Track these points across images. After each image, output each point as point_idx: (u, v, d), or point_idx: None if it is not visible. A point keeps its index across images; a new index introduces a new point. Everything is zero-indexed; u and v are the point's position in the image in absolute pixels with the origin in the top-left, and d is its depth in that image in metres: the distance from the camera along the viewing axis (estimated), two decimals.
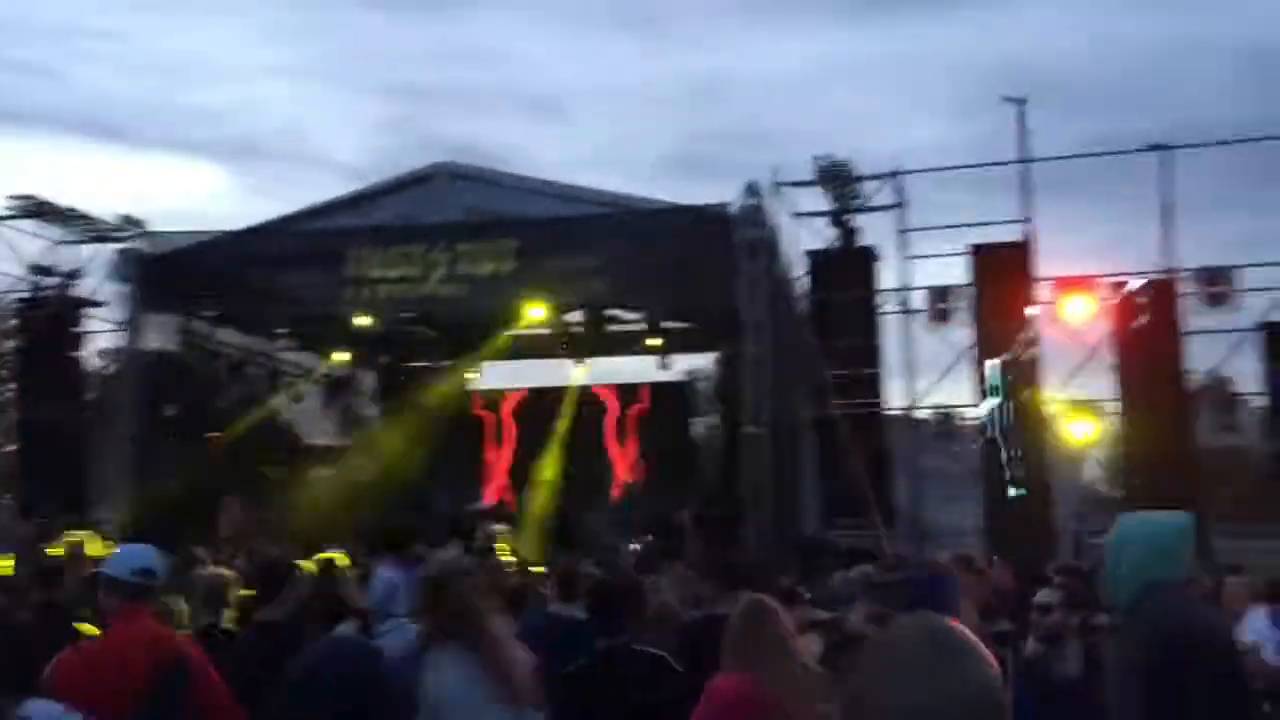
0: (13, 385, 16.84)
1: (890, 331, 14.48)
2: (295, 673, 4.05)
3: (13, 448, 16.60)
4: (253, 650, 4.93)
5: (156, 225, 16.42)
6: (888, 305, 14.64)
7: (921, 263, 14.78)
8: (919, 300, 14.49)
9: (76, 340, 17.24)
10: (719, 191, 14.32)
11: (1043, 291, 13.82)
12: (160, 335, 16.58)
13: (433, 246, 15.40)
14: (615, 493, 20.96)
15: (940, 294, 14.28)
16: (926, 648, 1.56)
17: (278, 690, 4.30)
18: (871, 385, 14.34)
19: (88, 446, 16.79)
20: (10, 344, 17.09)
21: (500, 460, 21.70)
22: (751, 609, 4.20)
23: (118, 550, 5.02)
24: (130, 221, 16.13)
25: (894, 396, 14.55)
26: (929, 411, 14.68)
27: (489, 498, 21.06)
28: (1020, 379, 13.37)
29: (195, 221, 16.69)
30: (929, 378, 14.47)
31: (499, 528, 17.14)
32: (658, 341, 19.06)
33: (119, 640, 4.40)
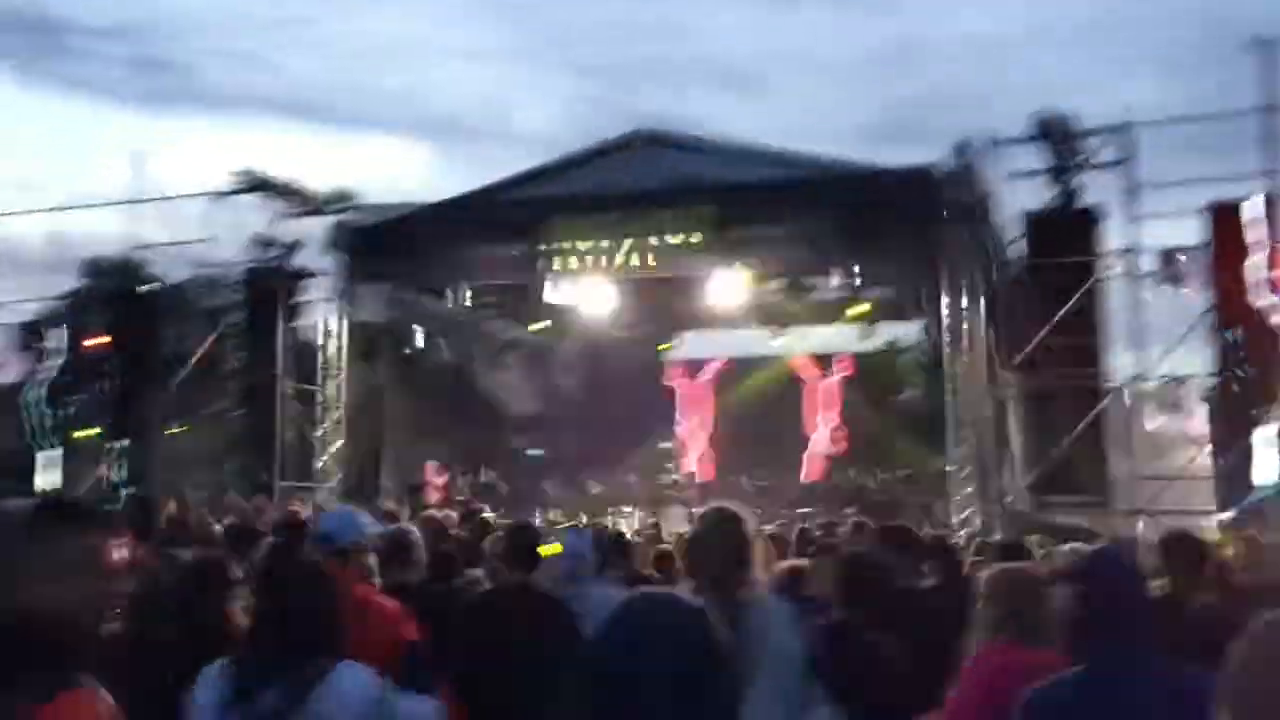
0: (241, 354, 17.68)
1: (1115, 297, 13.50)
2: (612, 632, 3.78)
3: (240, 413, 17.47)
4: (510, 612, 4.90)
5: (363, 199, 16.96)
6: (1113, 269, 13.63)
7: (1150, 225, 13.69)
8: (1147, 264, 13.45)
9: (296, 310, 17.99)
10: (928, 158, 13.61)
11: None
12: (373, 304, 17.13)
13: (629, 214, 15.31)
14: (814, 466, 20.54)
15: (1171, 255, 13.22)
16: None
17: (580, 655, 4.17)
18: (1093, 355, 13.42)
19: (306, 411, 17.52)
20: (237, 316, 17.96)
21: (699, 430, 21.60)
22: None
23: (327, 513, 5.04)
24: (342, 195, 16.69)
25: (1119, 365, 13.57)
26: (1157, 382, 13.64)
27: (685, 468, 20.99)
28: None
29: (401, 197, 17.06)
30: (1158, 346, 13.44)
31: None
32: (861, 309, 18.49)
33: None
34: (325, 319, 17.34)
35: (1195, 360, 13.40)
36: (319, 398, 17.16)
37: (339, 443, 16.88)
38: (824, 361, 20.64)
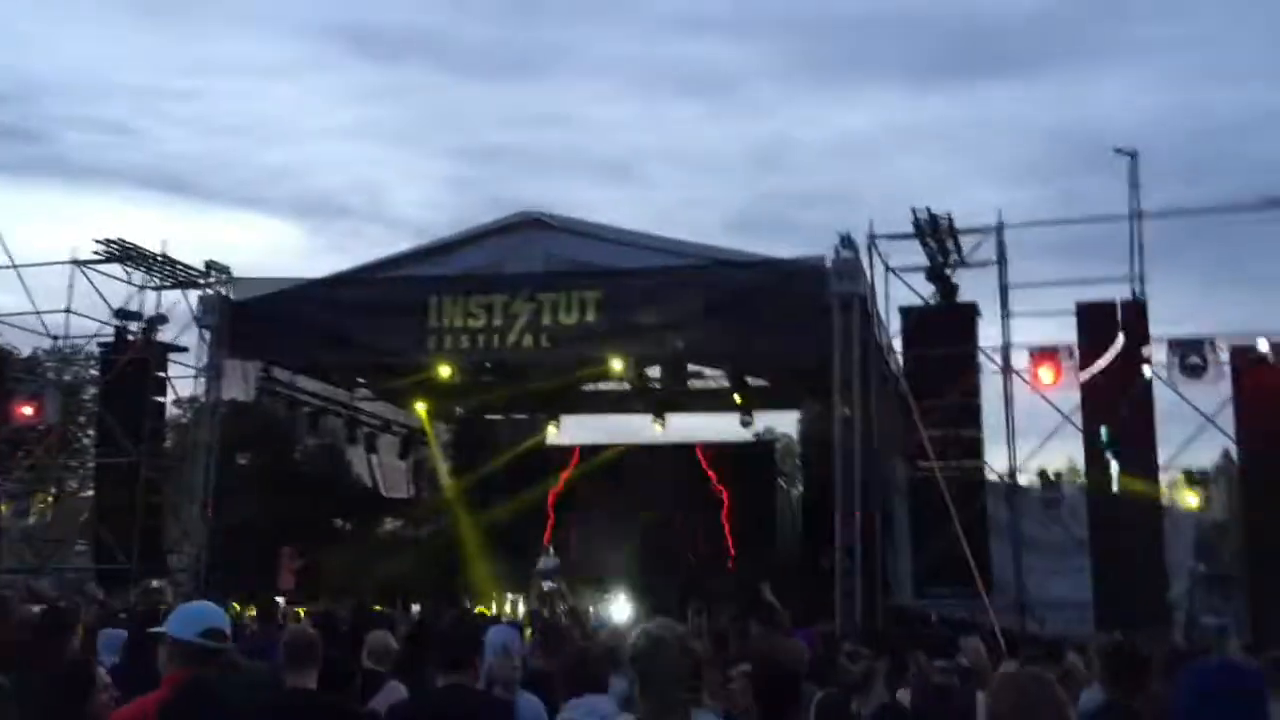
0: (91, 431, 16.77)
1: (991, 392, 13.80)
2: None
3: (89, 493, 16.48)
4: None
5: (234, 275, 16.35)
6: (988, 365, 13.96)
7: (1022, 323, 14.11)
8: (1021, 360, 13.81)
9: (159, 385, 17.17)
10: (785, 252, 13.79)
11: (1155, 352, 13.10)
12: (241, 382, 16.45)
13: (515, 296, 15.10)
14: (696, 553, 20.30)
15: (1045, 353, 13.60)
16: None
17: None
18: (971, 447, 13.64)
19: (164, 492, 16.64)
20: (92, 390, 17.07)
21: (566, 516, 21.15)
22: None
23: (181, 609, 4.57)
24: (214, 267, 16.07)
25: (994, 459, 13.82)
26: (1031, 477, 13.92)
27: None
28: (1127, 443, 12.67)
29: (275, 274, 16.52)
30: (1031, 441, 13.75)
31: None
32: (741, 398, 18.57)
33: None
34: (192, 396, 16.58)
35: (1067, 455, 13.75)
36: (180, 478, 16.30)
37: (200, 528, 16.02)
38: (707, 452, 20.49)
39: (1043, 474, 14.01)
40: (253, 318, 15.70)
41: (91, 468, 16.75)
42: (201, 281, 16.32)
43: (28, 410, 16.52)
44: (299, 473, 18.55)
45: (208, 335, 15.79)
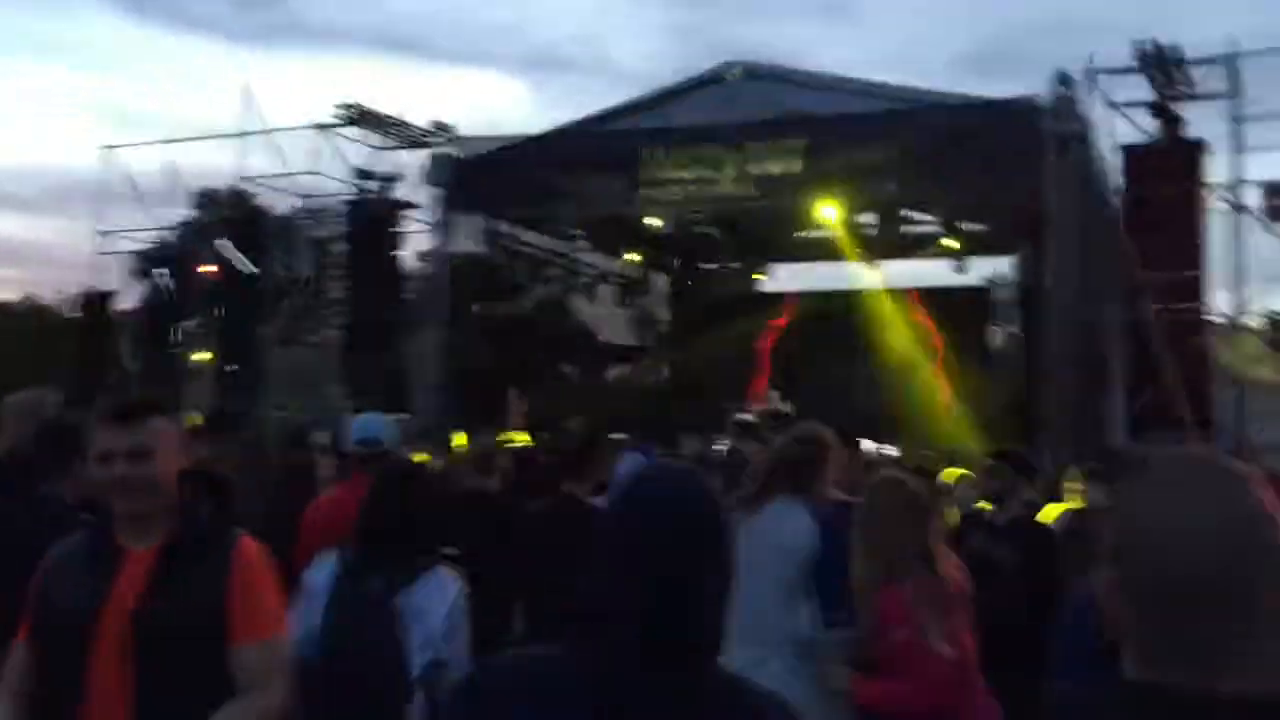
0: (343, 283, 18.29)
1: (1218, 232, 13.19)
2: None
3: (346, 336, 18.10)
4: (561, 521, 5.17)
5: (461, 133, 17.24)
6: (1215, 203, 13.31)
7: (1257, 158, 13.30)
8: (1252, 198, 13.09)
9: (395, 240, 18.49)
10: (1022, 88, 13.39)
11: None
12: (469, 236, 17.51)
13: (723, 147, 15.36)
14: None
15: (1277, 189, 12.85)
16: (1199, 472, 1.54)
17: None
18: (1194, 289, 13.16)
19: (405, 341, 18.06)
20: (340, 246, 18.56)
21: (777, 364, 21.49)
22: None
23: (359, 419, 5.36)
24: (441, 128, 17.02)
25: (1220, 302, 13.29)
26: (1258, 320, 13.34)
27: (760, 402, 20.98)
28: None
29: (498, 130, 17.38)
30: (1259, 283, 13.13)
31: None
32: (955, 244, 18.31)
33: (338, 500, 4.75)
34: (423, 249, 17.76)
35: None
36: (420, 326, 17.60)
37: (439, 372, 17.33)
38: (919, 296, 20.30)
39: (1271, 316, 13.40)
40: (477, 174, 16.58)
41: (342, 317, 18.31)
42: (430, 141, 17.29)
43: (283, 265, 18.21)
44: (525, 321, 19.71)
45: (437, 192, 16.82)
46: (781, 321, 21.26)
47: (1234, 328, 13.18)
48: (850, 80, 15.68)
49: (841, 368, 19.53)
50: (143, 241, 20.21)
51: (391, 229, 18.22)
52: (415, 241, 18.49)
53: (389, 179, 18.03)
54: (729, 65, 15.92)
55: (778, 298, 21.66)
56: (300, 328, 18.94)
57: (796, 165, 15.11)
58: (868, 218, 18.01)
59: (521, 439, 10.73)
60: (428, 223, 17.41)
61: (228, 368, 18.34)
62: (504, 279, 19.52)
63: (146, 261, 20.27)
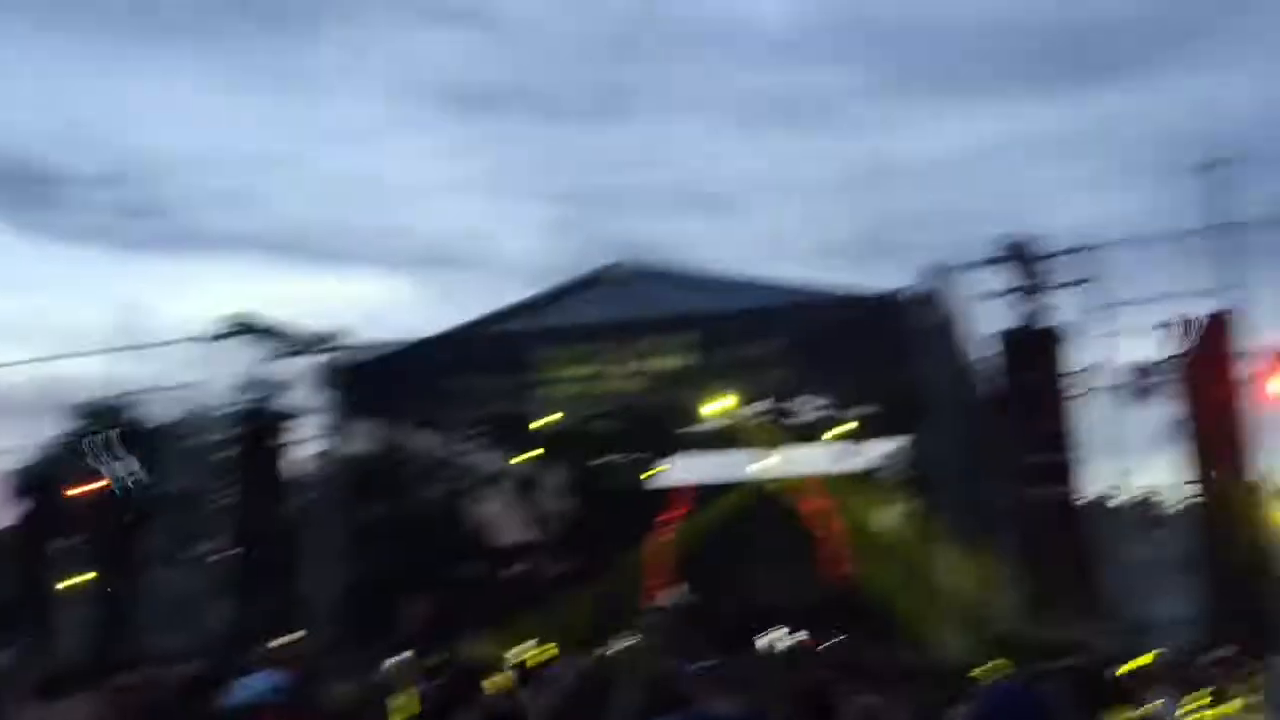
0: (231, 492, 17.84)
1: (1087, 413, 13.81)
2: None
3: (235, 551, 17.53)
4: None
5: (351, 337, 17.26)
6: (1084, 386, 13.98)
7: (1119, 339, 14.10)
8: (1117, 378, 13.80)
9: (284, 449, 18.20)
10: (897, 273, 14.10)
11: (1254, 364, 12.99)
12: (361, 440, 17.36)
13: (616, 344, 15.69)
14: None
15: (1141, 370, 13.59)
16: None
17: None
18: (1069, 469, 13.67)
19: (297, 551, 17.55)
20: (226, 455, 18.18)
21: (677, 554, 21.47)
22: None
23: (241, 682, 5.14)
24: (327, 336, 17.05)
25: (1093, 481, 13.82)
26: (1128, 497, 13.87)
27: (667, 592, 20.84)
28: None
29: (386, 331, 17.50)
30: (1129, 460, 13.71)
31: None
32: (845, 429, 18.77)
33: None
34: (314, 455, 17.49)
35: (1167, 473, 13.67)
36: (312, 534, 17.16)
37: (333, 582, 16.81)
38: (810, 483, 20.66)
39: (1141, 493, 13.95)
40: (368, 379, 16.59)
41: (229, 531, 17.79)
42: (319, 347, 17.26)
43: (165, 477, 17.72)
44: (422, 523, 19.37)
45: (328, 398, 16.72)
46: (680, 513, 21.34)
47: (1106, 506, 13.65)
48: (734, 277, 16.30)
49: (740, 557, 19.61)
50: (18, 459, 19.53)
51: (279, 437, 17.95)
52: (305, 449, 18.20)
53: (276, 387, 17.88)
54: (617, 264, 16.42)
55: (675, 491, 21.76)
56: (184, 544, 18.31)
57: (688, 360, 15.48)
58: (760, 407, 18.43)
59: None
60: (318, 429, 17.22)
61: (109, 589, 17.57)
62: (398, 482, 19.29)
63: (22, 479, 19.54)
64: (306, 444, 18.06)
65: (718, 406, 16.80)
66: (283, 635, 15.41)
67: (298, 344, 17.68)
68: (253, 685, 4.94)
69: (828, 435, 18.76)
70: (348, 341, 17.13)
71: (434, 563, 19.09)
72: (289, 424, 18.15)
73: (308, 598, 16.81)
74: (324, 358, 17.04)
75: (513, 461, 21.18)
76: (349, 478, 17.22)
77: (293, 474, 18.49)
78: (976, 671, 7.28)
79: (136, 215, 65.24)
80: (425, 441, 19.02)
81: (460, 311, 17.23)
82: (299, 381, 17.62)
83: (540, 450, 20.77)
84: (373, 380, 16.52)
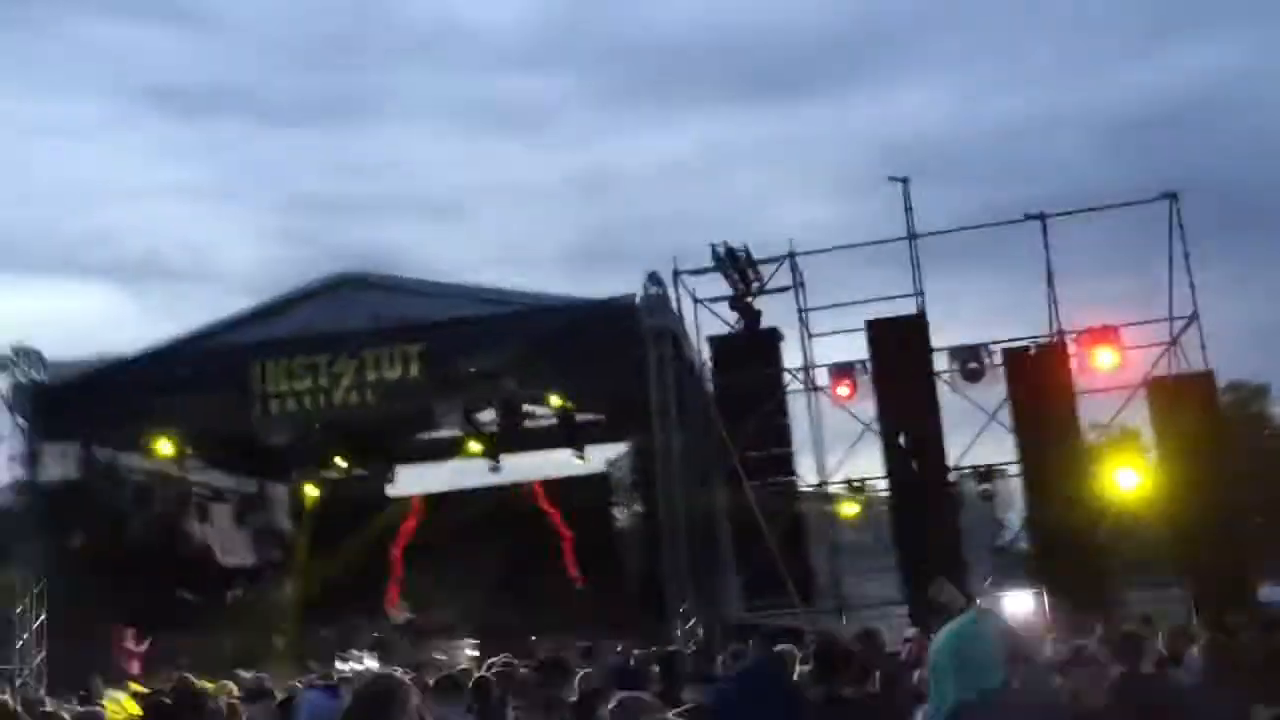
0: None
1: (798, 410, 14.71)
2: None
3: None
4: None
5: (55, 353, 16.09)
6: (793, 385, 14.88)
7: (823, 342, 15.09)
8: (823, 378, 14.75)
9: None
10: (621, 281, 14.61)
11: (938, 361, 14.19)
12: (60, 465, 16.20)
13: (338, 355, 15.35)
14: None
15: (842, 370, 14.57)
16: None
17: None
18: (783, 464, 14.51)
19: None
20: None
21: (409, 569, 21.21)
22: None
23: None
24: (23, 351, 15.78)
25: (806, 473, 14.74)
26: (840, 486, 14.87)
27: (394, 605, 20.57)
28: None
29: (97, 345, 16.47)
30: (837, 453, 14.70)
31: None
32: (571, 434, 19.08)
33: None
34: (14, 482, 16.15)
35: (869, 465, 14.72)
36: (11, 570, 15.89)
37: (40, 618, 15.65)
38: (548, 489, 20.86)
39: (848, 482, 14.96)
40: (68, 399, 15.55)
41: None
42: (11, 366, 15.97)
43: None
44: (135, 549, 18.22)
45: (21, 420, 15.54)
46: (410, 525, 21.06)
47: (821, 495, 14.57)
48: (460, 285, 16.33)
49: (470, 566, 19.58)
50: None
51: None
52: None
53: None
54: (341, 275, 16.08)
55: (404, 502, 21.45)
56: None
57: (414, 370, 15.35)
58: (488, 415, 18.48)
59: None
60: (11, 453, 15.95)
61: None
62: (106, 507, 18.05)
63: None
64: None
65: (447, 414, 16.77)
66: None
67: None
68: None
69: (561, 438, 19.01)
70: (42, 359, 15.94)
71: (151, 590, 18.02)
72: None
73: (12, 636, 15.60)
74: (14, 379, 15.81)
75: (234, 479, 20.34)
76: (46, 506, 16.07)
77: None
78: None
79: None
80: (137, 464, 17.90)
81: (178, 327, 16.37)
82: None
83: (263, 467, 20.07)
84: (72, 400, 15.50)
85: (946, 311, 14.90)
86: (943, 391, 14.20)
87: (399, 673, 4.73)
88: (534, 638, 14.89)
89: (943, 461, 13.80)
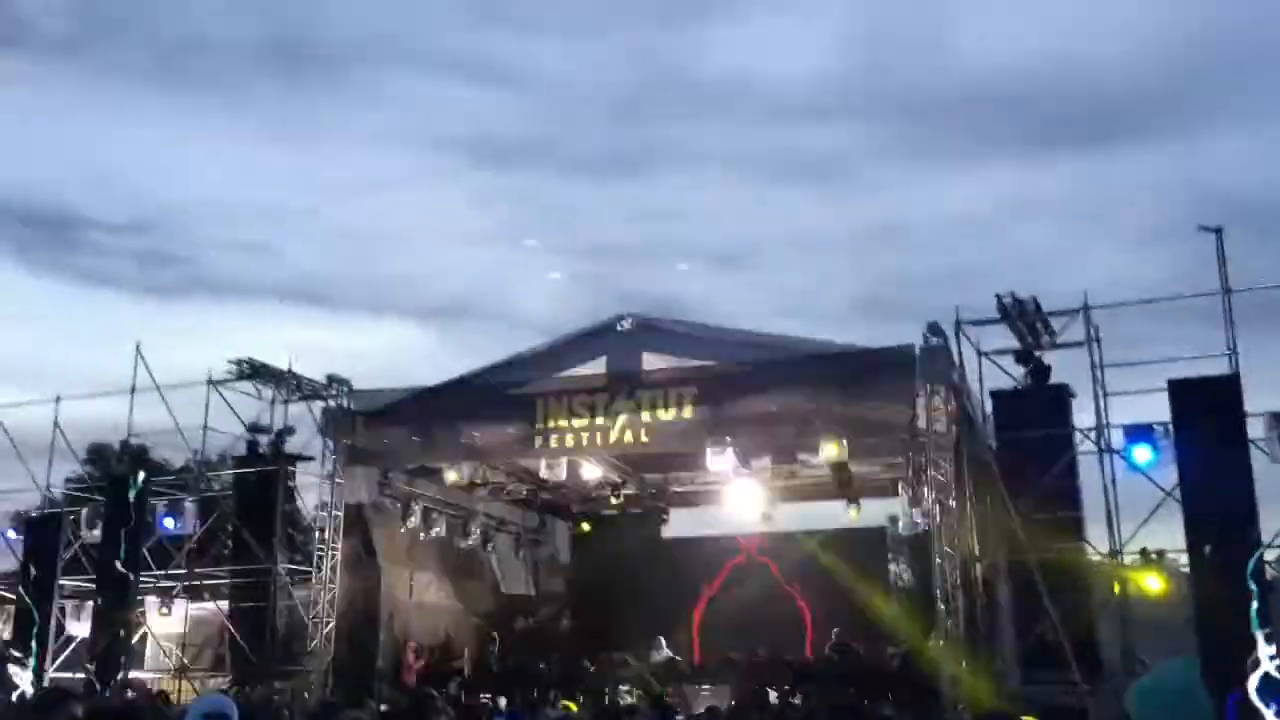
0: (236, 536, 17.86)
1: (1089, 473, 13.70)
2: None
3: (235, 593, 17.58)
4: None
5: (366, 386, 17.35)
6: (1084, 445, 13.87)
7: (1119, 401, 13.99)
8: (1117, 440, 13.67)
9: (290, 492, 18.29)
10: (906, 333, 14.19)
11: (1253, 428, 12.87)
12: (366, 486, 17.40)
13: (616, 396, 15.73)
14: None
15: (1140, 431, 13.46)
16: None
17: None
18: (1071, 529, 13.54)
19: (298, 597, 17.60)
20: (229, 501, 18.28)
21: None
22: None
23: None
24: (336, 380, 17.15)
25: (1097, 542, 13.65)
26: (1132, 558, 13.69)
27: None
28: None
29: (401, 381, 17.63)
30: (1132, 521, 13.54)
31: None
32: (848, 485, 18.67)
33: None
34: (321, 501, 17.49)
35: (1169, 535, 13.51)
36: (313, 579, 17.18)
37: (331, 624, 16.82)
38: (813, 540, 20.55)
39: (1144, 552, 13.77)
40: (371, 426, 16.73)
41: (227, 575, 17.84)
42: (324, 394, 17.37)
43: (170, 522, 17.76)
44: (426, 566, 19.36)
45: (331, 445, 16.84)
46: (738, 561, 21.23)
47: (1113, 566, 13.49)
48: (738, 331, 16.38)
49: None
50: (26, 501, 19.71)
51: (285, 483, 18.02)
52: (310, 493, 18.28)
53: (282, 432, 17.99)
54: (620, 317, 16.50)
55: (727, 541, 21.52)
56: (185, 586, 18.35)
57: (687, 412, 15.50)
58: (763, 463, 18.36)
59: None
60: (320, 476, 17.30)
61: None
62: (404, 524, 19.19)
63: (31, 521, 19.66)
64: (310, 488, 18.12)
65: (721, 460, 16.75)
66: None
67: (304, 389, 17.80)
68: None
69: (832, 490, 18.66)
70: (353, 388, 17.23)
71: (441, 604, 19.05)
72: (293, 468, 18.22)
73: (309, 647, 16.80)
74: (327, 403, 17.17)
75: (517, 511, 21.17)
76: (352, 521, 17.28)
77: (297, 519, 18.56)
78: None
79: (155, 262, 66.18)
80: (427, 489, 18.96)
81: (477, 359, 17.29)
82: (304, 427, 17.71)
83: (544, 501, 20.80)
84: (375, 427, 16.71)
85: (1262, 376, 13.47)
86: (1258, 460, 12.85)
87: None
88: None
89: (1253, 536, 12.46)
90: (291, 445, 18.07)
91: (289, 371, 17.80)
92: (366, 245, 62.05)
